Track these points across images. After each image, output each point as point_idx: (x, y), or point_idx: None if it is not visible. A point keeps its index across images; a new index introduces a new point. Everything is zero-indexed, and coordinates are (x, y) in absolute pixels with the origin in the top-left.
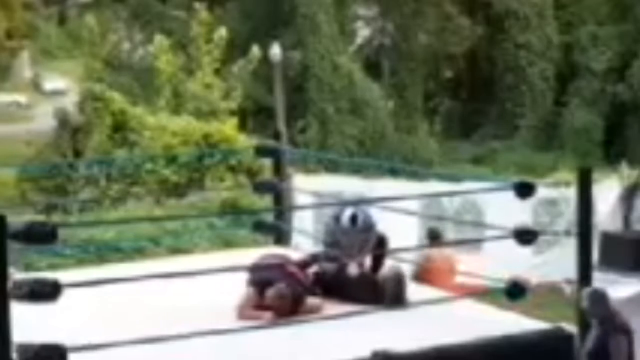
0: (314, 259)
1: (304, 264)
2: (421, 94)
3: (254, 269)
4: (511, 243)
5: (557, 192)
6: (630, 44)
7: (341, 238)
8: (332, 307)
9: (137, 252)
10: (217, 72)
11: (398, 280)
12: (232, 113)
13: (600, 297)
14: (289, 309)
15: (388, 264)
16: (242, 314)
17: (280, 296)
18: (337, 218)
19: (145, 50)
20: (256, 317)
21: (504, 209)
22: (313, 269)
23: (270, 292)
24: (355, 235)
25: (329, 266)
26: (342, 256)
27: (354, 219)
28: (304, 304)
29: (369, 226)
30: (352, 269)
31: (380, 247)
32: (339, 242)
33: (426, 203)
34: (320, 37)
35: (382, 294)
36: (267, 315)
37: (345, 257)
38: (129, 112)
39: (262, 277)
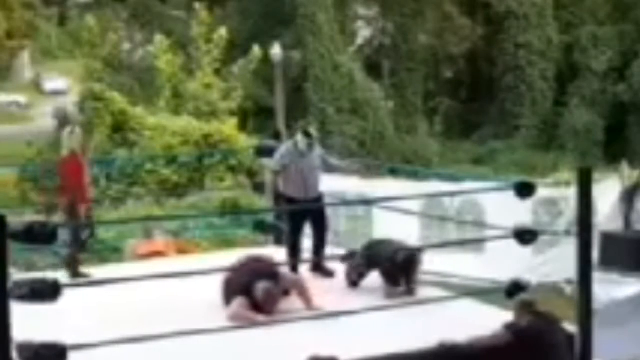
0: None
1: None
2: (421, 94)
3: (234, 276)
4: (511, 243)
5: (557, 192)
6: (630, 44)
7: (298, 160)
8: (328, 307)
9: None
10: (217, 72)
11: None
12: (232, 113)
13: None
14: (276, 304)
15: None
16: (235, 317)
17: (268, 293)
18: (294, 144)
19: (145, 50)
20: (249, 317)
21: (505, 209)
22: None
23: (258, 290)
24: (311, 155)
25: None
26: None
27: (306, 133)
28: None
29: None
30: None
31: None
32: (294, 166)
33: (427, 203)
34: (321, 37)
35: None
36: (260, 317)
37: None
38: (129, 112)
39: (244, 283)
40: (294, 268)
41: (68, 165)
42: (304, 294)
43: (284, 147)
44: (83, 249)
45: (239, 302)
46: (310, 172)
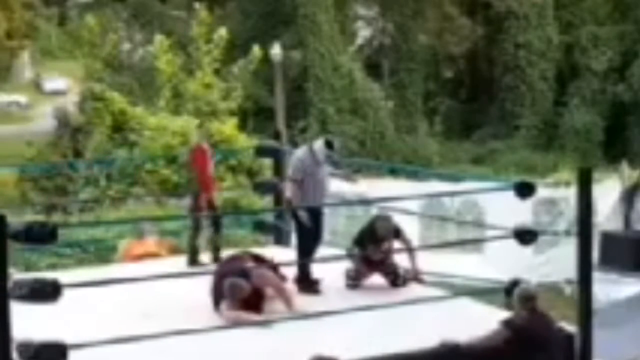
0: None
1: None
2: (421, 94)
3: (215, 279)
4: (511, 243)
5: (557, 192)
6: (630, 44)
7: (315, 169)
8: (322, 306)
9: None
10: (217, 72)
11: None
12: (232, 113)
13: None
14: (248, 297)
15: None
16: (229, 320)
17: (232, 287)
18: (310, 150)
19: (145, 50)
20: (243, 318)
21: (505, 209)
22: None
23: (225, 287)
24: (325, 164)
25: None
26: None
27: (329, 144)
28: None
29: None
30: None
31: None
32: (312, 175)
33: (427, 203)
34: (321, 37)
35: None
36: (254, 317)
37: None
38: (129, 112)
39: (219, 285)
40: (307, 274)
41: (196, 156)
42: (281, 293)
43: (303, 155)
44: (218, 234)
45: (226, 305)
46: (324, 180)
